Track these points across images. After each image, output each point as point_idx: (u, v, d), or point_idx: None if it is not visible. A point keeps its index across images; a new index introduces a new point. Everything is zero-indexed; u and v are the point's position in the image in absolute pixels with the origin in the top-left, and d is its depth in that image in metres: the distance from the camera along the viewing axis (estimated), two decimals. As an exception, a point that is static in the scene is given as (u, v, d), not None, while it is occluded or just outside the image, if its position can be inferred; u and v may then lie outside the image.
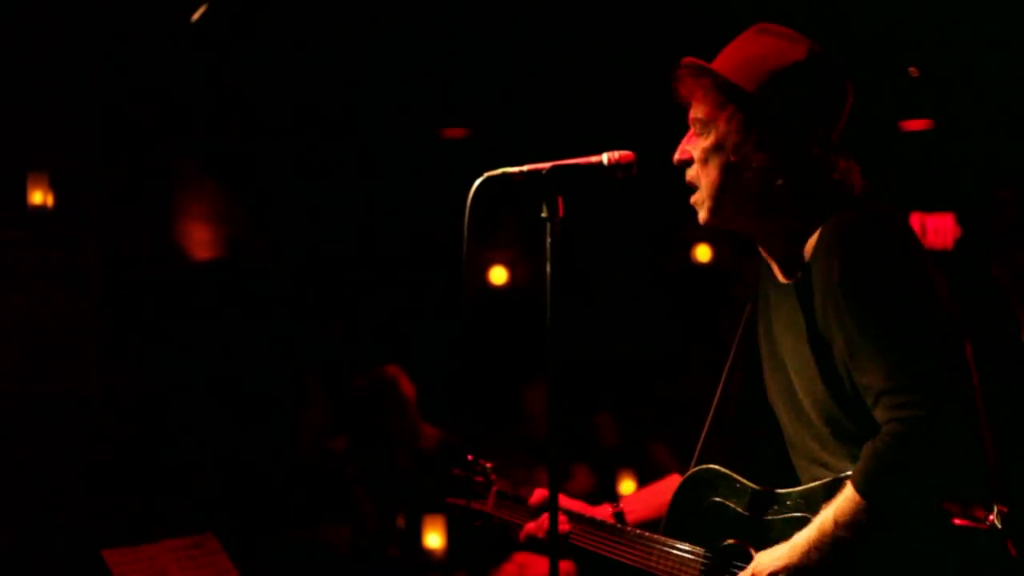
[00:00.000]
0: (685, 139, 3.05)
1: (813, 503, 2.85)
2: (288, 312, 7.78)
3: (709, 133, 2.97)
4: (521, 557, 6.30)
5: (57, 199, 6.78)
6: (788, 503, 2.92)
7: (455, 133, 8.48)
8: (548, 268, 2.92)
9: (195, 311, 7.26)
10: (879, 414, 2.70)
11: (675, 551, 3.13)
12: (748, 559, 2.97)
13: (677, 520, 3.18)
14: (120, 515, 6.60)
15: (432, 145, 8.39)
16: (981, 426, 2.72)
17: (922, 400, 2.64)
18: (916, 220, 8.46)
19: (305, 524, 6.62)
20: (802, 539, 2.80)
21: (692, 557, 3.10)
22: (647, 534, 3.22)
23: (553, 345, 2.92)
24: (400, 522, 6.48)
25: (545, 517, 3.38)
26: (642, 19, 6.90)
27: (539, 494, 3.49)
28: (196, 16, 6.80)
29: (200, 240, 7.61)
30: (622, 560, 3.27)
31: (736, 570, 2.98)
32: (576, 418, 7.47)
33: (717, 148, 2.96)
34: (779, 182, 2.90)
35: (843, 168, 2.94)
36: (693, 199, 3.05)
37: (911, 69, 7.23)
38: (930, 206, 8.46)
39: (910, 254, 2.79)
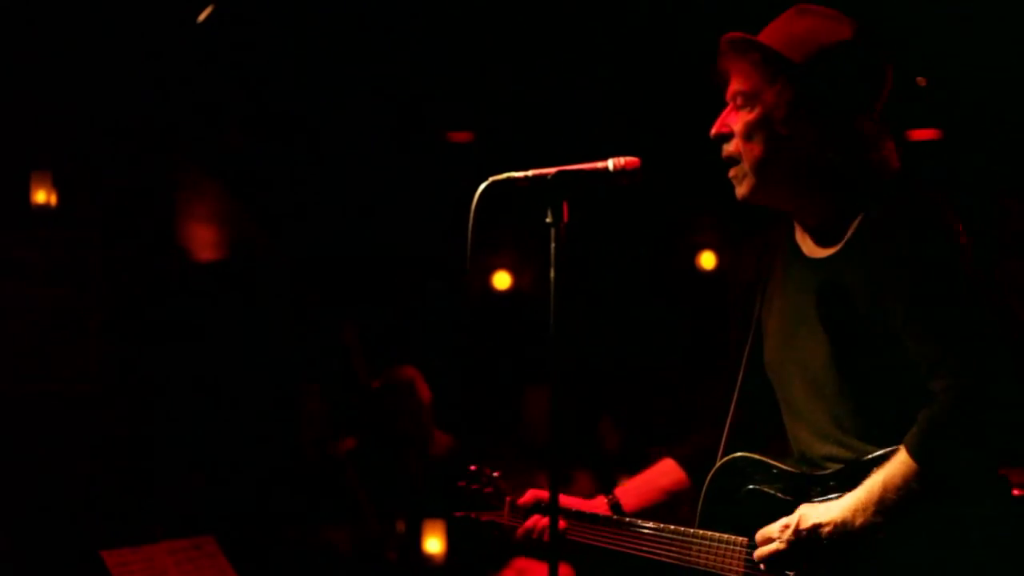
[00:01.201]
0: (724, 114, 3.04)
1: (856, 482, 2.82)
2: (290, 313, 7.77)
3: (754, 106, 2.96)
4: (521, 563, 6.28)
5: (60, 198, 6.78)
6: (831, 484, 2.89)
7: (460, 137, 8.48)
8: (552, 273, 2.91)
9: (197, 311, 7.25)
10: (937, 383, 2.71)
11: (717, 543, 3.08)
12: None
13: (712, 510, 3.13)
14: (120, 516, 6.59)
15: (437, 149, 8.39)
16: None
17: (986, 370, 2.66)
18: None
19: (305, 526, 6.60)
20: (849, 500, 2.78)
21: (736, 547, 3.05)
22: (683, 528, 3.16)
23: (557, 350, 2.91)
24: (400, 526, 6.47)
25: (537, 517, 3.41)
26: (650, 24, 6.89)
27: (531, 495, 3.48)
28: (202, 17, 6.80)
29: (203, 241, 7.61)
30: (654, 557, 3.21)
31: None
32: (579, 423, 7.46)
33: (763, 121, 2.95)
34: (827, 155, 2.92)
35: (886, 146, 2.98)
36: (732, 173, 3.04)
37: (919, 79, 7.22)
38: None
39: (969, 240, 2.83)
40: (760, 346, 3.18)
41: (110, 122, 6.97)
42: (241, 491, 6.85)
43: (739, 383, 3.20)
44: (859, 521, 2.76)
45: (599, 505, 3.43)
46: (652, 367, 8.72)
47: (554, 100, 7.74)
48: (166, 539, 4.85)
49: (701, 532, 3.12)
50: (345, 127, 7.87)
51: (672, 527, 3.19)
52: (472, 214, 3.00)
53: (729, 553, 3.05)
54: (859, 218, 2.92)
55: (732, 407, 3.19)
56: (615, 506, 3.42)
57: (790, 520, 2.86)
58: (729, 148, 3.03)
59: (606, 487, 3.61)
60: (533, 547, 3.43)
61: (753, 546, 2.98)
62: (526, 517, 3.46)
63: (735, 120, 3.00)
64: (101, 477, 6.77)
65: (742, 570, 3.03)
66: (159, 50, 6.96)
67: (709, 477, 3.15)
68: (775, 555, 2.88)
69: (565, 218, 2.95)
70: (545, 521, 3.38)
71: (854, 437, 2.89)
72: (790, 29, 2.97)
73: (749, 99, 2.97)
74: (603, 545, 3.33)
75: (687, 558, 3.13)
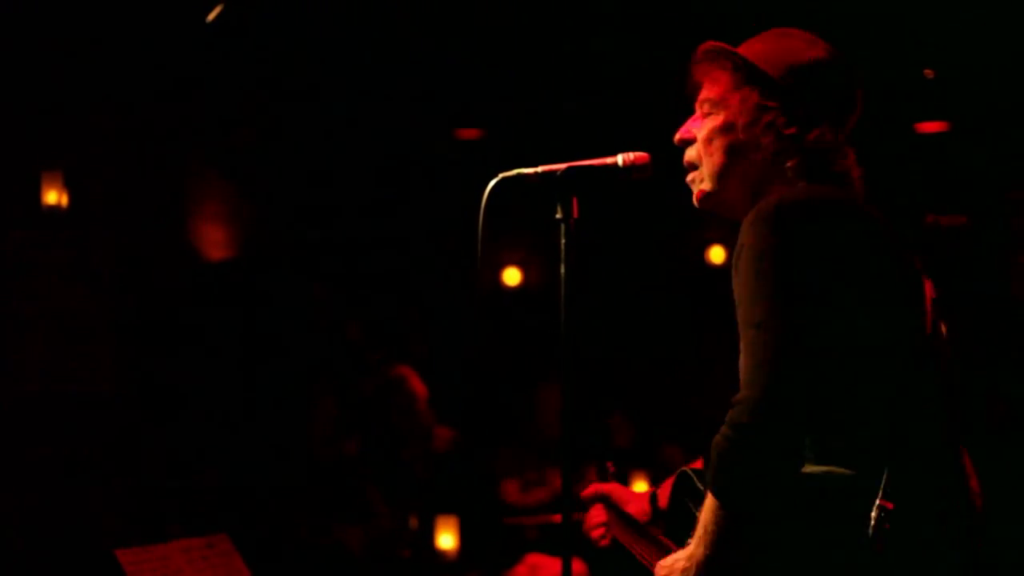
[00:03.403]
0: (689, 120, 3.04)
1: None
2: (300, 312, 7.79)
3: (719, 113, 2.95)
4: (533, 558, 6.30)
5: (71, 199, 6.80)
6: None
7: (470, 134, 8.49)
8: (562, 269, 2.92)
9: (208, 311, 7.27)
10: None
11: (662, 551, 3.15)
12: None
13: (670, 519, 3.23)
14: (133, 515, 6.61)
15: (447, 146, 8.40)
16: (887, 422, 2.66)
17: (754, 392, 2.58)
18: (930, 222, 8.46)
19: (318, 524, 6.62)
20: (693, 538, 2.77)
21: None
22: (658, 536, 3.25)
23: (567, 346, 2.92)
24: (413, 523, 6.49)
25: (589, 514, 3.63)
26: (658, 20, 6.90)
27: (591, 489, 3.66)
28: (211, 16, 6.81)
29: (213, 240, 7.63)
30: (644, 563, 3.32)
31: None
32: (590, 419, 7.47)
33: (726, 128, 2.94)
34: (787, 164, 2.89)
35: (845, 166, 2.91)
36: (690, 177, 3.02)
37: (926, 71, 7.22)
38: (944, 208, 8.45)
39: (825, 241, 2.69)
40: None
41: (120, 122, 6.99)
42: (255, 490, 6.87)
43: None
44: (700, 554, 2.72)
45: (642, 499, 3.55)
46: (662, 362, 8.73)
47: (563, 96, 7.76)
48: (180, 538, 4.86)
49: (663, 539, 3.23)
50: (354, 124, 7.89)
51: (654, 532, 3.30)
52: (482, 211, 3.01)
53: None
54: None
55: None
56: (653, 500, 3.52)
57: (661, 564, 2.88)
58: (690, 154, 3.02)
59: (620, 481, 3.76)
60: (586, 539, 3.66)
61: None
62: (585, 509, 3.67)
63: (699, 127, 3.00)
64: (115, 476, 6.79)
65: None
66: (169, 50, 6.98)
67: (671, 491, 3.22)
68: None
69: (575, 214, 2.97)
70: (592, 518, 3.62)
71: None
72: (765, 45, 2.98)
73: (715, 105, 2.97)
74: (624, 544, 3.50)
75: (654, 562, 3.22)
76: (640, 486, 7.14)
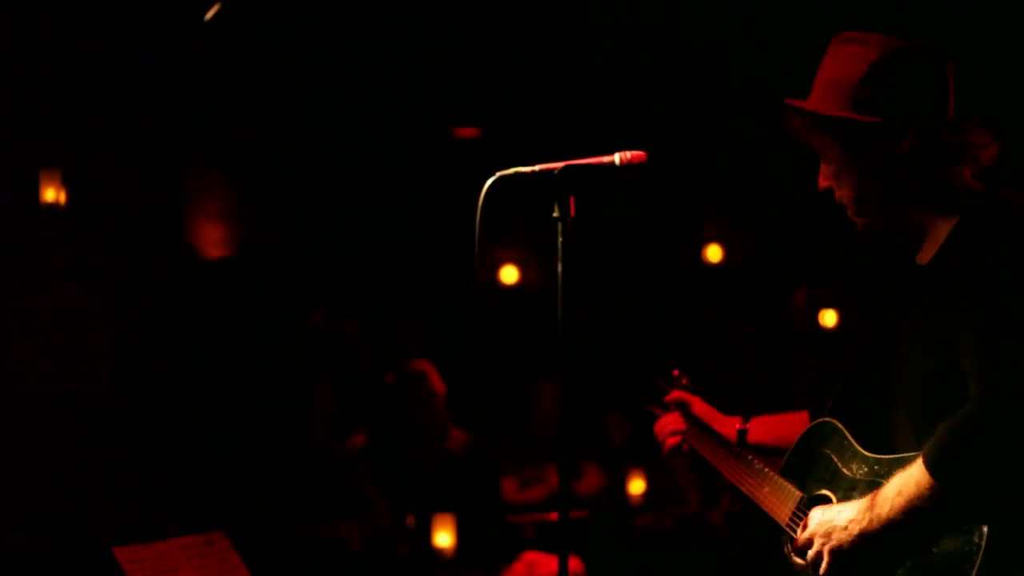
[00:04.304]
0: (821, 167, 3.11)
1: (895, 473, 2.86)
2: (298, 310, 7.79)
3: (830, 160, 3.05)
4: (531, 556, 6.30)
5: (70, 197, 6.80)
6: (876, 467, 2.93)
7: (467, 133, 8.49)
8: (560, 267, 2.94)
9: (206, 310, 7.27)
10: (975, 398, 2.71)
11: (781, 488, 3.21)
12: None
13: (793, 461, 3.26)
14: (131, 512, 6.62)
15: (444, 144, 8.40)
16: None
17: (1010, 386, 2.63)
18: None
19: (316, 522, 6.62)
20: (861, 505, 2.83)
21: (792, 498, 3.14)
22: (765, 468, 3.33)
23: (564, 344, 2.93)
24: (411, 520, 6.48)
25: (665, 419, 3.85)
26: (656, 19, 6.90)
27: (674, 395, 3.90)
28: (209, 15, 6.81)
29: (211, 239, 7.63)
30: (735, 482, 3.44)
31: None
32: (587, 417, 7.48)
33: (842, 171, 3.03)
34: (906, 175, 2.97)
35: (973, 140, 3.04)
36: (850, 213, 3.10)
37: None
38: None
39: None
40: (875, 342, 3.22)
41: (119, 120, 6.99)
42: (252, 487, 6.87)
43: (852, 362, 3.25)
44: (864, 522, 2.80)
45: (729, 424, 3.71)
46: (660, 360, 8.72)
47: (561, 95, 7.76)
48: (178, 535, 4.86)
49: (775, 475, 3.26)
50: (352, 123, 7.89)
51: (759, 464, 3.38)
52: (479, 209, 3.03)
53: (786, 501, 3.15)
54: (952, 224, 2.96)
55: (840, 382, 3.24)
56: (742, 432, 3.67)
57: (813, 513, 2.95)
58: (836, 197, 3.11)
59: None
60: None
61: (805, 501, 3.09)
62: (669, 410, 3.88)
63: (827, 172, 3.09)
64: (113, 475, 6.79)
65: (787, 521, 3.13)
66: (167, 48, 6.98)
67: (802, 433, 3.25)
68: (802, 544, 2.99)
69: (572, 212, 2.98)
70: (669, 423, 3.84)
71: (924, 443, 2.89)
72: (829, 74, 3.05)
73: (825, 152, 3.06)
74: (707, 457, 3.66)
75: (757, 494, 3.31)
76: (638, 485, 7.14)
